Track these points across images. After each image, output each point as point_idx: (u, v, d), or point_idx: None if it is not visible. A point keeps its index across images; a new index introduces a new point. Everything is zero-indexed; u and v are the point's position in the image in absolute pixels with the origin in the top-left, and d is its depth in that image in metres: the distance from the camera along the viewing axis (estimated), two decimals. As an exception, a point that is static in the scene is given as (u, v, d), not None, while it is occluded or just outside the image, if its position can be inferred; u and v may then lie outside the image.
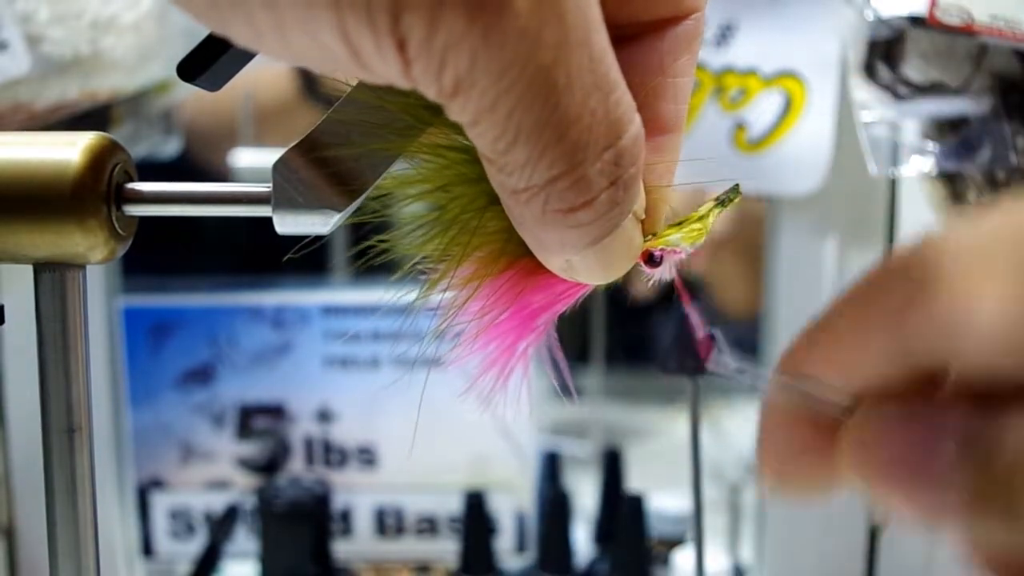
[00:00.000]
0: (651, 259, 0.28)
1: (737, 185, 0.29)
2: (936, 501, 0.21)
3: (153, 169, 0.67)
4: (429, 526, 0.78)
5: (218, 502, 0.77)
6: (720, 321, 1.08)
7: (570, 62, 0.22)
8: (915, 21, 0.54)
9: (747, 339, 0.69)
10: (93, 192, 0.28)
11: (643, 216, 0.27)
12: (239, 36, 0.23)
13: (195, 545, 0.76)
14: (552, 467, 0.85)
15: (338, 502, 0.77)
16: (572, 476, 0.88)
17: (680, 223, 0.29)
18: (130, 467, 0.72)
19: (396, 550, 0.78)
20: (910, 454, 0.21)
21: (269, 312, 0.76)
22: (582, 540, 0.80)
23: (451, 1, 0.21)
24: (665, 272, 0.29)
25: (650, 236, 0.28)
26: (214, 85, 0.28)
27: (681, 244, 0.28)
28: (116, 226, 0.29)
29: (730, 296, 1.11)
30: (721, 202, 0.29)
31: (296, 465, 0.77)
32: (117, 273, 0.72)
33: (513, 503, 0.77)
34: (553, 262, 0.27)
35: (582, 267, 0.26)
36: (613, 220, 0.25)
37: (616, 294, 1.01)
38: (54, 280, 0.29)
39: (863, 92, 0.57)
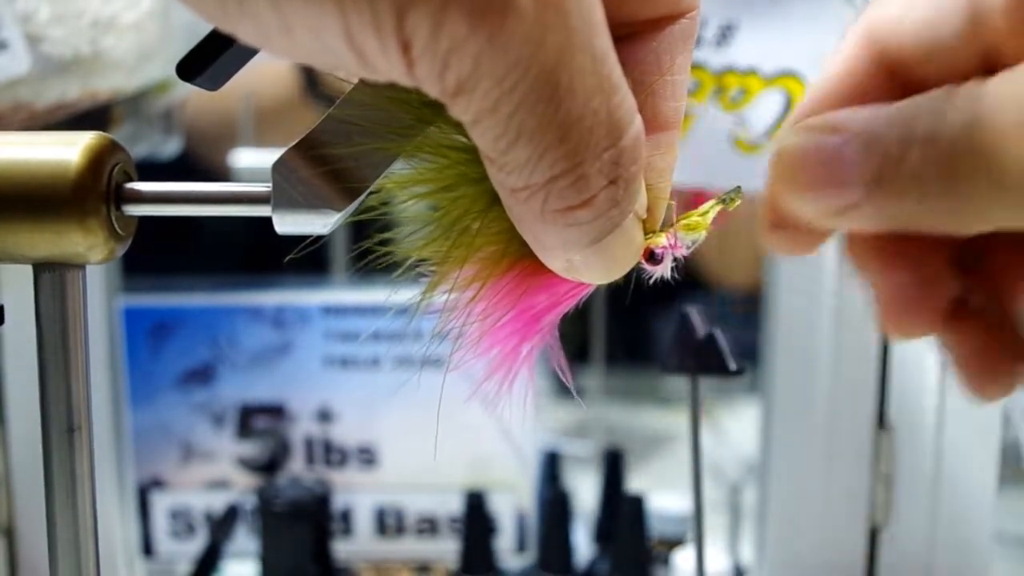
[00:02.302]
0: (652, 257, 0.28)
1: (739, 187, 0.29)
2: (842, 195, 0.23)
3: (154, 169, 0.67)
4: (429, 526, 0.78)
5: (218, 502, 0.77)
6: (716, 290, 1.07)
7: (573, 64, 0.22)
8: (915, 21, 0.54)
9: (746, 338, 0.69)
10: (93, 192, 0.28)
11: (644, 215, 0.28)
12: (245, 35, 0.23)
13: (195, 545, 0.76)
14: (552, 467, 0.85)
15: (338, 502, 0.77)
16: (572, 476, 0.88)
17: (681, 220, 0.29)
18: (130, 467, 0.72)
19: (396, 550, 0.78)
20: (817, 156, 0.24)
21: (269, 312, 0.76)
22: (582, 540, 0.80)
23: (455, 3, 0.21)
24: (666, 269, 0.29)
25: (651, 234, 0.28)
26: (213, 85, 0.28)
27: (682, 241, 0.28)
28: (116, 226, 0.29)
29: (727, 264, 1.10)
30: (723, 201, 0.29)
31: (296, 465, 0.77)
32: (117, 273, 0.72)
33: (513, 503, 0.77)
34: (554, 262, 0.27)
35: (583, 267, 0.26)
36: (613, 220, 0.25)
37: (616, 294, 1.01)
38: (54, 280, 0.29)
39: (863, 92, 0.57)
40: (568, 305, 0.29)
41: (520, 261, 0.28)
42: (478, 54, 0.21)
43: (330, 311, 0.76)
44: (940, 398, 0.62)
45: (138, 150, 0.68)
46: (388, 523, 0.78)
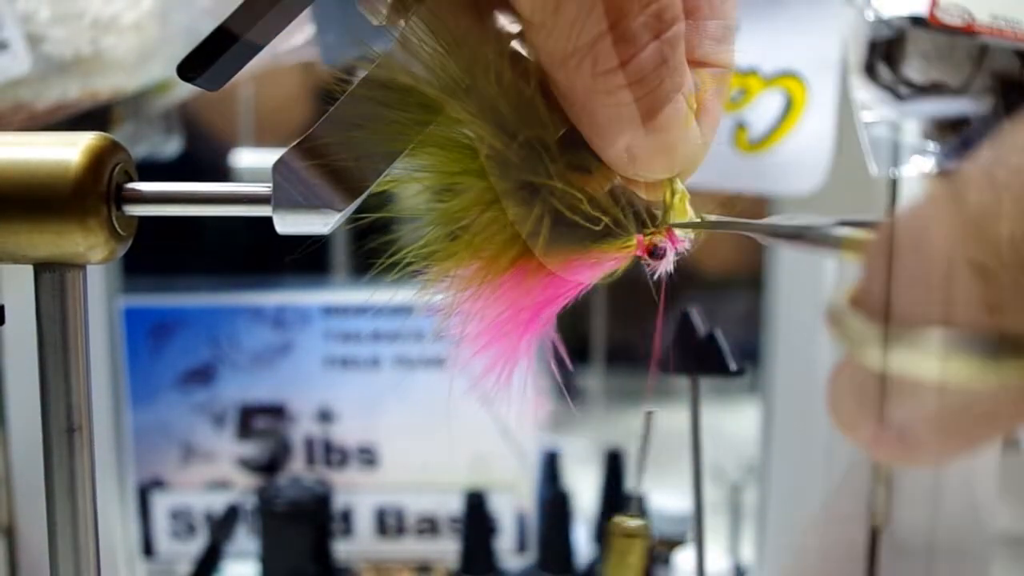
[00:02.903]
0: (654, 252, 0.28)
1: (740, 193, 0.29)
2: None
3: (155, 169, 0.67)
4: (430, 526, 0.78)
5: (219, 502, 0.77)
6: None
7: None
8: (916, 21, 0.54)
9: (747, 341, 0.69)
10: (93, 192, 0.28)
11: (694, 104, 0.27)
12: None
13: (196, 545, 0.76)
14: (552, 467, 0.85)
15: (339, 502, 0.77)
16: (572, 476, 0.88)
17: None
18: (131, 467, 0.72)
19: (397, 550, 0.78)
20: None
21: (270, 312, 0.76)
22: (582, 540, 0.80)
23: None
24: (668, 265, 0.29)
25: (651, 230, 0.28)
26: (214, 85, 0.28)
27: (682, 238, 0.29)
28: (116, 226, 0.29)
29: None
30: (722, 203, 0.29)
31: (297, 465, 0.77)
32: (118, 273, 0.72)
33: (513, 503, 0.77)
34: (612, 149, 0.26)
35: (643, 153, 0.26)
36: (663, 85, 0.25)
37: (616, 293, 1.02)
38: (54, 280, 0.29)
39: (864, 92, 0.57)
40: (565, 302, 0.30)
41: (519, 259, 0.28)
42: None
43: (330, 311, 0.76)
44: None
45: (139, 150, 0.68)
46: (388, 523, 0.78)
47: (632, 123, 0.25)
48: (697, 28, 0.28)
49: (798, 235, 0.24)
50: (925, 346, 0.18)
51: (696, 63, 0.28)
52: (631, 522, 0.30)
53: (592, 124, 0.26)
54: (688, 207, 0.29)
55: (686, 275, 0.30)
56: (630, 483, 0.81)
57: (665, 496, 0.77)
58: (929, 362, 0.18)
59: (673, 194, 0.28)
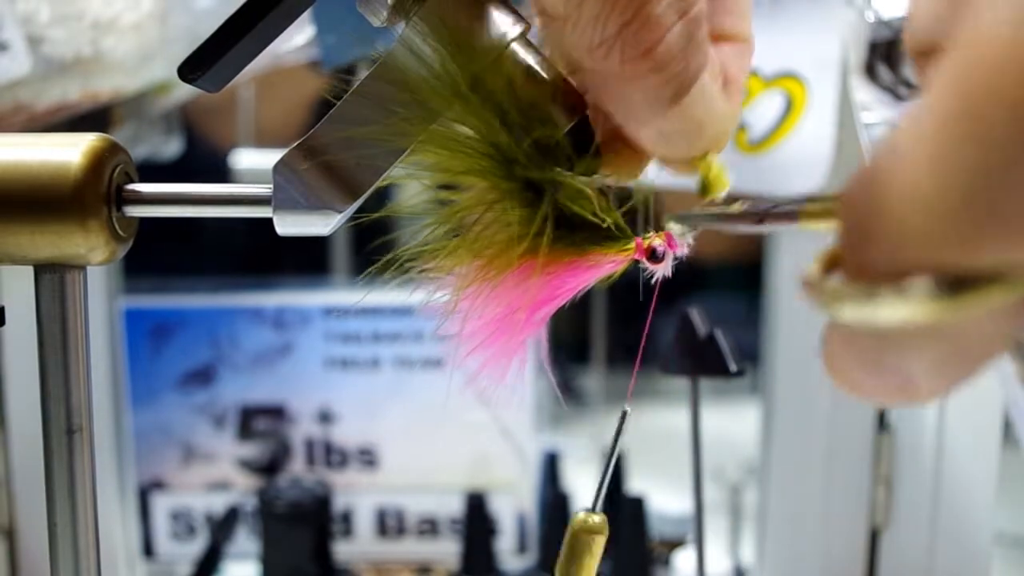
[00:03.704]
0: (653, 255, 0.28)
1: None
2: None
3: (155, 169, 0.67)
4: (430, 527, 0.78)
5: (219, 503, 0.77)
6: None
7: None
8: (916, 22, 0.54)
9: (747, 343, 0.69)
10: (94, 193, 0.28)
11: (719, 82, 0.28)
12: None
13: (196, 546, 0.76)
14: (552, 467, 0.85)
15: (339, 503, 0.77)
16: (572, 476, 0.88)
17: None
18: (131, 468, 0.72)
19: (397, 551, 0.78)
20: None
21: (270, 313, 0.76)
22: (583, 541, 0.80)
23: None
24: (667, 268, 0.29)
25: (651, 234, 0.28)
26: (215, 86, 0.28)
27: (683, 237, 0.29)
28: (117, 227, 0.29)
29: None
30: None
31: (297, 466, 0.77)
32: (118, 274, 0.72)
33: (514, 504, 0.77)
34: (645, 132, 0.27)
35: (675, 132, 0.26)
36: (690, 63, 0.25)
37: (616, 294, 1.02)
38: (55, 281, 0.29)
39: (864, 93, 0.57)
40: (564, 302, 0.30)
41: (520, 258, 0.28)
42: None
43: (331, 312, 0.76)
44: (940, 400, 0.62)
45: (139, 151, 0.68)
46: (389, 524, 0.78)
47: (662, 104, 0.26)
48: (715, 3, 0.28)
49: (760, 218, 0.24)
50: (899, 295, 0.18)
51: (716, 38, 0.28)
52: None
53: (624, 110, 0.26)
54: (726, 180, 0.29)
55: (686, 275, 0.30)
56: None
57: (665, 496, 0.77)
58: (906, 309, 0.18)
59: (709, 168, 0.28)
